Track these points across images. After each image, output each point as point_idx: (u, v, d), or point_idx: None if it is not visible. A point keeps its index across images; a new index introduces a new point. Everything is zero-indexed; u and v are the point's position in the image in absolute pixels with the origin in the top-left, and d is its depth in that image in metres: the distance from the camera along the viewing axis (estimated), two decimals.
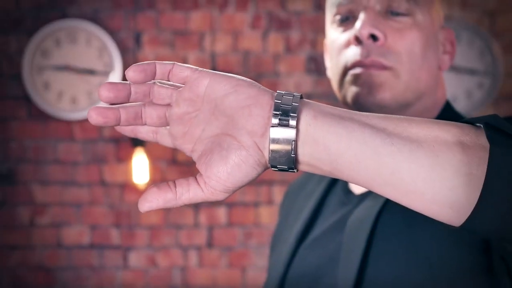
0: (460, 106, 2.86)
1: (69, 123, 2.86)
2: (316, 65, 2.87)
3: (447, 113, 0.91)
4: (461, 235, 0.70)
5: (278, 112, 0.55)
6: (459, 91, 2.85)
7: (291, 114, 0.55)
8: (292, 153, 0.56)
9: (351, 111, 0.58)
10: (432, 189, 0.54)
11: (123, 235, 2.86)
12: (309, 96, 2.87)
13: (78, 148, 2.87)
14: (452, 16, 2.84)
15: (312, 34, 2.87)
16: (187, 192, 0.58)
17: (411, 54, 0.85)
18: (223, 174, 0.57)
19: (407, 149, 0.54)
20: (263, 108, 0.56)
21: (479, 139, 0.55)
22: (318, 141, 0.56)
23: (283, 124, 0.55)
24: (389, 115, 0.57)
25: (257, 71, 2.87)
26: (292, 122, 0.55)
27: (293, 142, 0.55)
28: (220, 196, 0.59)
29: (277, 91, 0.57)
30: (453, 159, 0.53)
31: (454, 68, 2.82)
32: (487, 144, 0.54)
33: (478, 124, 0.57)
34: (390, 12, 0.86)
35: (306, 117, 0.56)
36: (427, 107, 0.89)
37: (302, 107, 0.56)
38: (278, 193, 2.85)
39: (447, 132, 0.55)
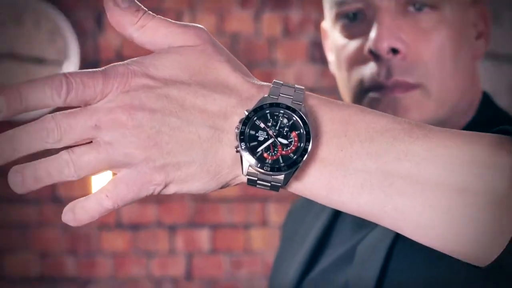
0: (502, 103, 2.58)
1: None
2: (321, 52, 2.64)
3: (486, 113, 0.89)
4: (486, 275, 0.65)
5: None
6: (500, 84, 2.68)
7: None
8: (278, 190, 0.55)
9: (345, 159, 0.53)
10: (449, 240, 0.54)
11: (80, 264, 2.72)
12: (313, 90, 2.58)
13: None
14: None
15: (316, 14, 2.72)
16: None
17: (440, 62, 0.83)
18: None
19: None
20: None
21: None
22: (309, 196, 0.57)
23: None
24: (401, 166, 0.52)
25: (248, 59, 2.74)
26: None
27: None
28: None
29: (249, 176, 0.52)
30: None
31: (493, 55, 2.62)
32: None
33: None
34: (413, 4, 0.82)
35: (292, 181, 0.53)
36: (463, 110, 0.87)
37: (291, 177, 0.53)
38: (274, 212, 2.74)
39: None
